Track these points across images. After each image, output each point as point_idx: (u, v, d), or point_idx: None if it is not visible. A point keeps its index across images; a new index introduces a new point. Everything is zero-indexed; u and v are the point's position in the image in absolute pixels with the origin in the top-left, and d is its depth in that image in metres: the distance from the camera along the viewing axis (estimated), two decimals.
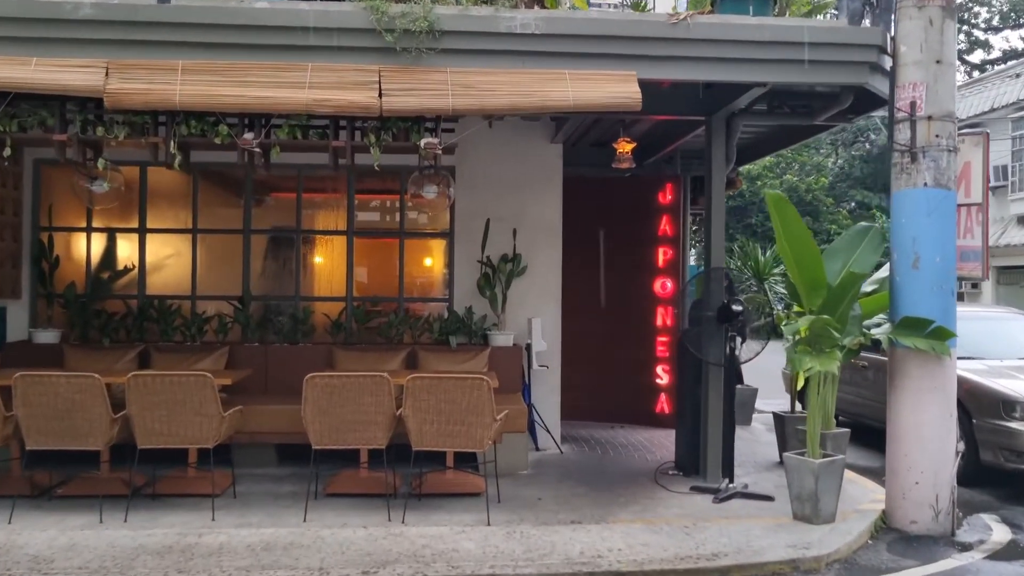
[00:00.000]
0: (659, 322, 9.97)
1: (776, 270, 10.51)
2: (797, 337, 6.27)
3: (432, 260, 9.03)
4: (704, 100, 7.30)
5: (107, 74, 5.68)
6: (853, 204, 31.03)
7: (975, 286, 20.05)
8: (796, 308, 7.13)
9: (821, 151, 32.04)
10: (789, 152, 28.40)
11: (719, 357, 7.06)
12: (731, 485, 6.86)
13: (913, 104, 6.09)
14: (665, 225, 9.98)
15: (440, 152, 6.20)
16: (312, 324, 8.45)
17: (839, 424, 8.45)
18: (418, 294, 8.99)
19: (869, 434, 9.11)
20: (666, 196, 9.98)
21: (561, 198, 8.75)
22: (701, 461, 7.38)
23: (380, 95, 5.80)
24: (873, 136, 28.45)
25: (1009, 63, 25.72)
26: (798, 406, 8.44)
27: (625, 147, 8.63)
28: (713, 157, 7.34)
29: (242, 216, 8.58)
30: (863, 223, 6.59)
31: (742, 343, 7.02)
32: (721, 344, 7.04)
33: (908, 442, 6.15)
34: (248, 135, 5.95)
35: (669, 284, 9.95)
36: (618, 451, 8.64)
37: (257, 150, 6.06)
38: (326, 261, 8.86)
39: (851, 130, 30.15)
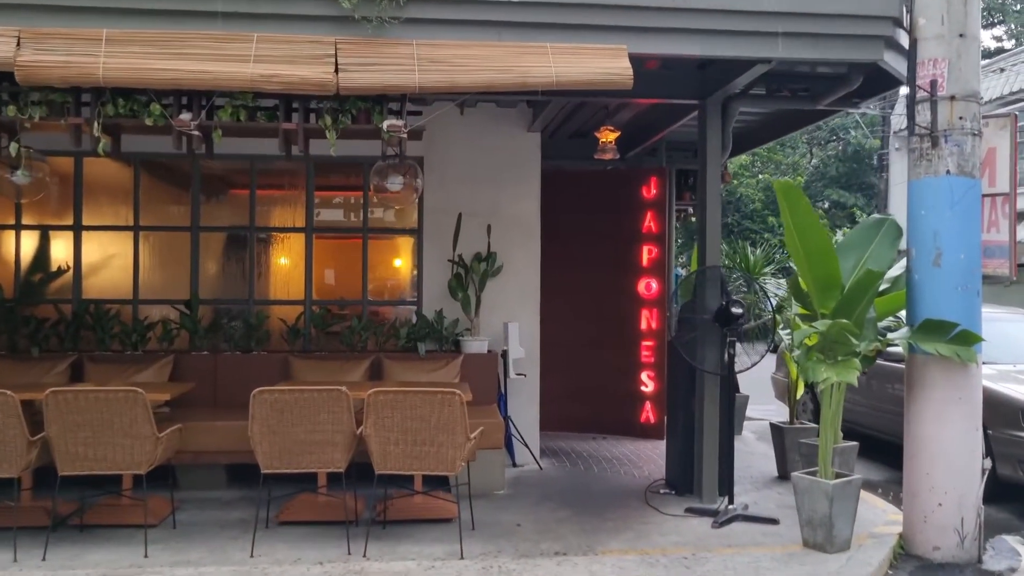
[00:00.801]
0: (644, 325, 9.31)
1: (767, 269, 9.92)
2: (806, 343, 5.63)
3: (399, 260, 8.32)
4: (698, 82, 6.65)
5: (19, 44, 4.89)
6: (828, 203, 30.73)
7: None
8: (800, 310, 6.49)
9: (797, 150, 31.70)
10: (764, 151, 28.01)
11: (717, 365, 6.41)
12: (731, 507, 6.20)
13: (934, 83, 5.47)
14: (650, 221, 9.31)
15: (405, 136, 5.47)
16: (267, 330, 7.69)
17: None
18: (384, 297, 8.27)
19: (864, 442, 8.49)
20: (650, 190, 9.32)
21: (539, 192, 8.06)
22: (695, 479, 6.73)
23: (336, 71, 5.07)
24: (853, 132, 28.06)
25: (990, 59, 25.41)
26: (799, 416, 7.81)
27: (608, 136, 8.02)
28: (708, 145, 6.68)
29: (189, 212, 7.81)
30: (877, 215, 5.95)
31: (741, 349, 6.36)
32: (719, 351, 6.38)
33: (929, 460, 5.52)
34: (184, 116, 5.18)
35: (654, 285, 9.28)
36: (602, 466, 7.96)
37: (196, 133, 5.29)
38: (283, 261, 8.10)
39: (826, 128, 29.89)
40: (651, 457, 8.32)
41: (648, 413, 9.29)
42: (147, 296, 7.75)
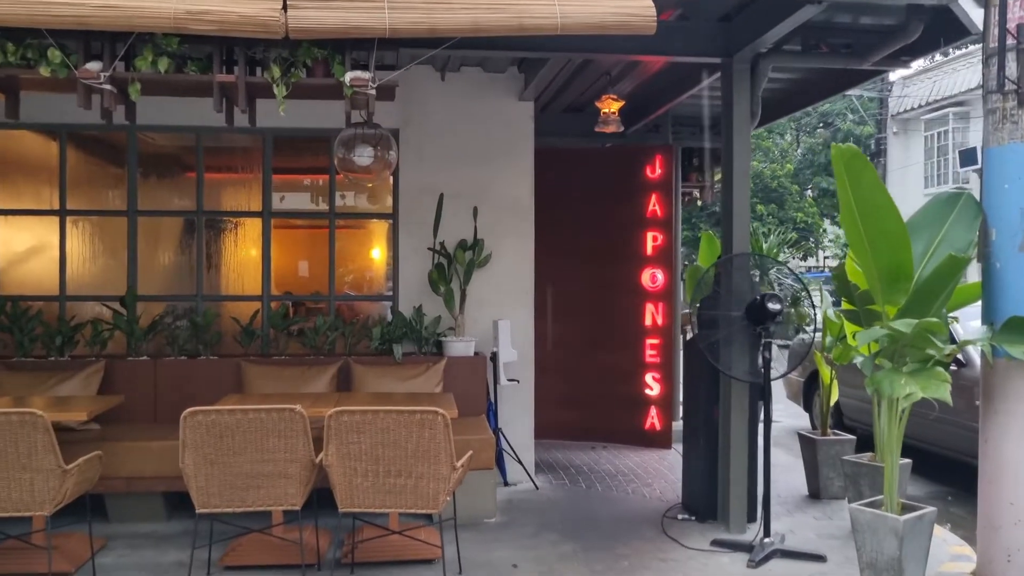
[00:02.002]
0: (648, 321, 8.31)
1: (781, 258, 8.94)
2: (860, 349, 4.64)
3: (371, 248, 7.27)
4: (723, 36, 5.65)
5: None
6: (817, 191, 30.00)
7: None
8: (845, 305, 5.52)
9: (785, 136, 30.92)
10: (752, 139, 27.23)
11: (748, 370, 5.41)
12: (766, 539, 5.20)
13: (1021, 28, 4.47)
14: (654, 205, 8.30)
15: (373, 94, 4.43)
16: (218, 331, 6.60)
17: (847, 432, 7.05)
18: (354, 291, 7.22)
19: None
20: (655, 170, 8.30)
21: (533, 170, 7.01)
22: (720, 503, 5.74)
23: (285, 7, 4.03)
24: (851, 116, 27.29)
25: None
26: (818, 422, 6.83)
27: (612, 106, 7.03)
28: (734, 112, 5.67)
29: (126, 194, 6.70)
30: (951, 190, 4.95)
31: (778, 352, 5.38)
32: (750, 354, 5.39)
33: (1014, 485, 4.53)
34: (92, 65, 4.11)
35: (660, 276, 8.28)
36: (606, 483, 6.95)
37: (107, 87, 4.21)
38: (237, 251, 7.01)
39: (815, 114, 29.16)
40: (659, 471, 7.34)
41: (653, 419, 8.30)
42: (76, 292, 6.65)
